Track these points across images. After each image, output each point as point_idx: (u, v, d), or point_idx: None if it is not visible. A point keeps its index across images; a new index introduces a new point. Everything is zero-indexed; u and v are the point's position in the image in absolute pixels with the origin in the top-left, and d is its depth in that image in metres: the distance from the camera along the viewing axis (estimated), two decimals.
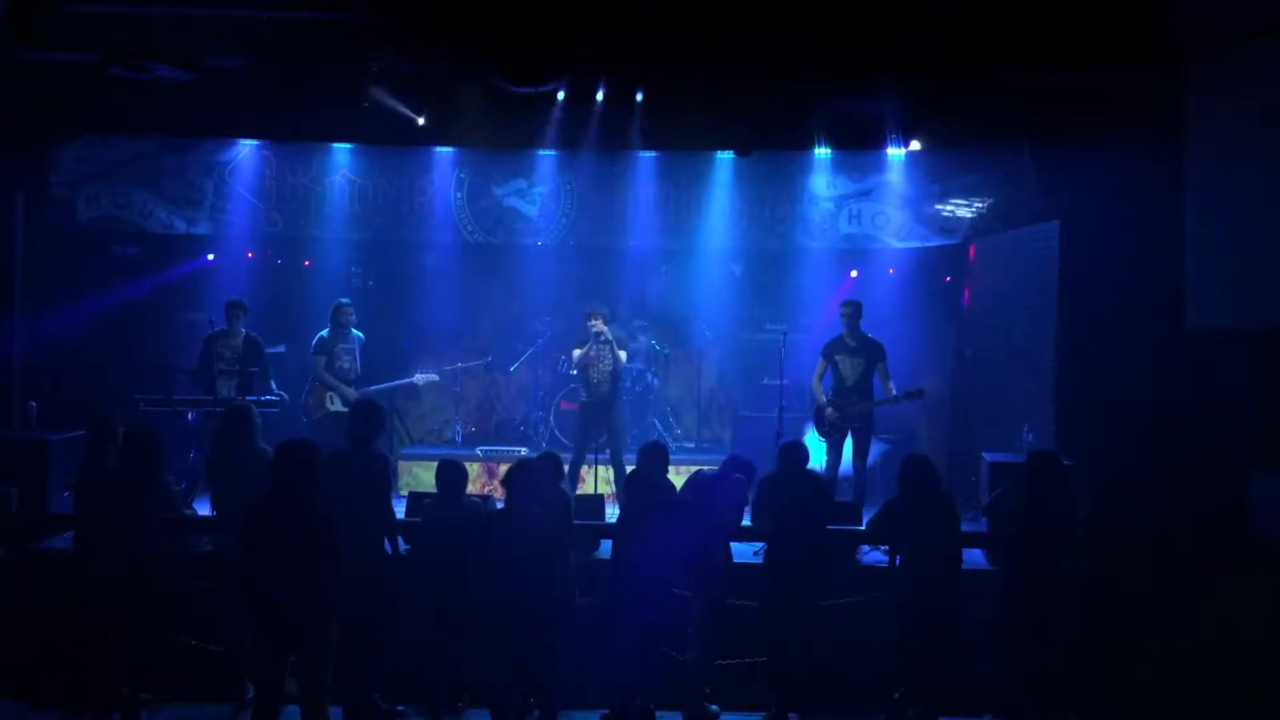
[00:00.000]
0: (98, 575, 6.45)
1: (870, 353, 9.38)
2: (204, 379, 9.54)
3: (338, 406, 9.65)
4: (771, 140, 10.03)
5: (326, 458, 6.74)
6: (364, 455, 6.75)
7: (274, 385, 9.51)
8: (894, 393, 9.25)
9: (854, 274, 11.39)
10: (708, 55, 8.41)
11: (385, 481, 6.88)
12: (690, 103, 9.09)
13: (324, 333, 9.84)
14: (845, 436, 9.38)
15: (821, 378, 9.47)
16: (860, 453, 9.36)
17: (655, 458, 7.03)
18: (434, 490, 7.07)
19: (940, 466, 7.67)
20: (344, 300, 9.98)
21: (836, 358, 9.41)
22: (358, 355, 9.87)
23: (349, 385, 9.74)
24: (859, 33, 8.10)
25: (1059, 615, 6.57)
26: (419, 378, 10.38)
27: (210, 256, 11.21)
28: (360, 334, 9.98)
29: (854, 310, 9.45)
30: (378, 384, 10.00)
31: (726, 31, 8.14)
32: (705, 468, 7.44)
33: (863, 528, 7.73)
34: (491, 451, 10.71)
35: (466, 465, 7.17)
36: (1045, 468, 6.81)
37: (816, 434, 9.46)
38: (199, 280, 11.18)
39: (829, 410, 9.34)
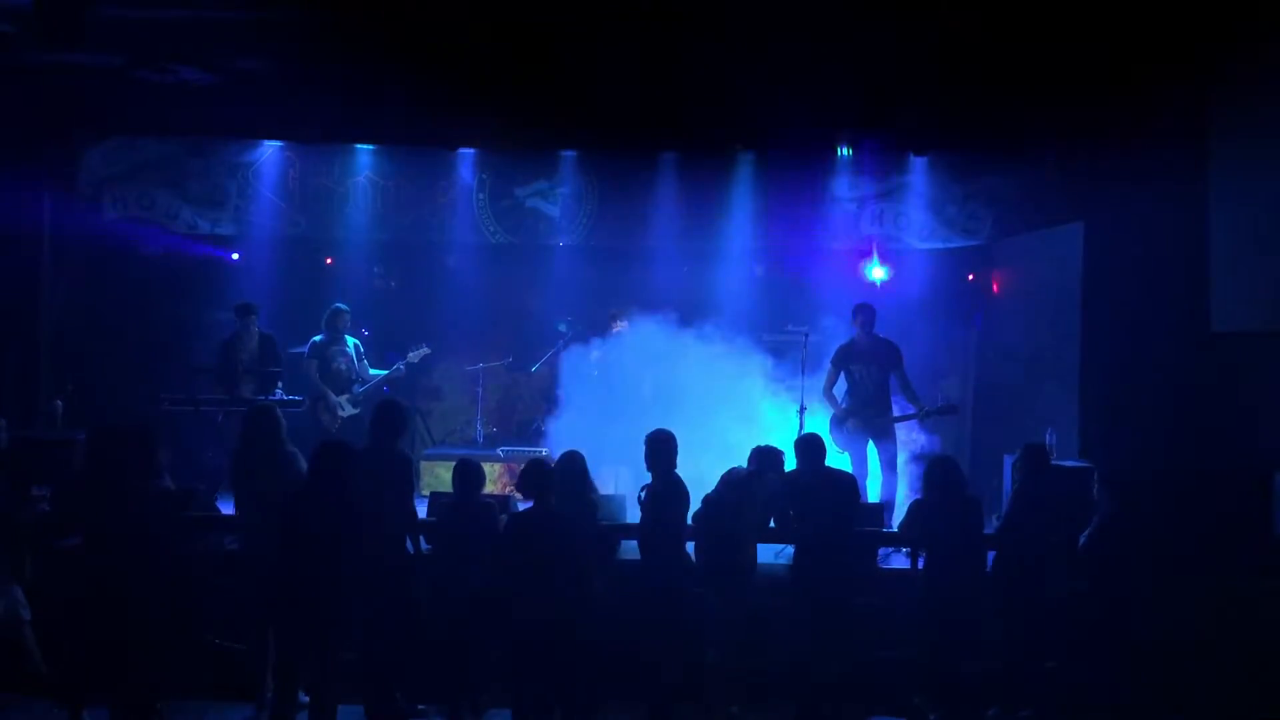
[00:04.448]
0: (109, 575, 6.46)
1: (886, 359, 9.02)
2: (225, 379, 9.60)
3: (349, 411, 9.69)
4: (793, 141, 10.01)
5: None
6: (387, 454, 6.76)
7: (278, 388, 9.51)
8: (923, 407, 8.91)
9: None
10: (730, 56, 8.41)
11: (407, 481, 6.90)
12: (711, 103, 9.09)
13: (318, 338, 9.83)
14: (865, 448, 8.99)
15: (833, 387, 9.18)
16: (889, 465, 8.91)
17: (663, 452, 6.80)
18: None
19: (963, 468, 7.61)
20: (340, 305, 9.89)
21: (851, 367, 9.04)
22: (355, 359, 9.86)
23: (347, 386, 9.74)
24: (884, 41, 8.07)
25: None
26: (412, 355, 10.14)
27: (235, 256, 11.28)
28: (354, 340, 9.95)
29: (868, 316, 9.09)
30: (372, 381, 9.89)
31: (751, 35, 8.14)
32: (738, 466, 7.28)
33: (889, 529, 7.68)
34: (512, 452, 10.68)
35: (487, 465, 7.16)
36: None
37: (835, 446, 8.95)
38: (223, 279, 11.25)
39: (850, 421, 8.99)
